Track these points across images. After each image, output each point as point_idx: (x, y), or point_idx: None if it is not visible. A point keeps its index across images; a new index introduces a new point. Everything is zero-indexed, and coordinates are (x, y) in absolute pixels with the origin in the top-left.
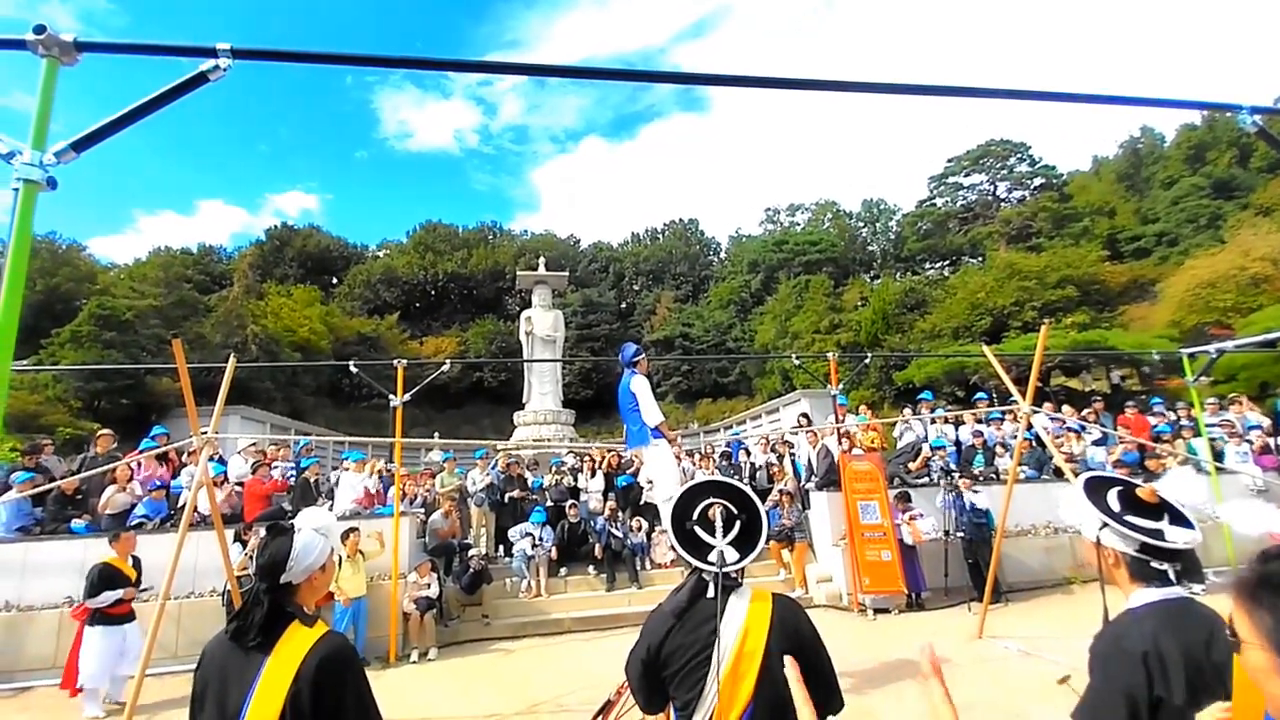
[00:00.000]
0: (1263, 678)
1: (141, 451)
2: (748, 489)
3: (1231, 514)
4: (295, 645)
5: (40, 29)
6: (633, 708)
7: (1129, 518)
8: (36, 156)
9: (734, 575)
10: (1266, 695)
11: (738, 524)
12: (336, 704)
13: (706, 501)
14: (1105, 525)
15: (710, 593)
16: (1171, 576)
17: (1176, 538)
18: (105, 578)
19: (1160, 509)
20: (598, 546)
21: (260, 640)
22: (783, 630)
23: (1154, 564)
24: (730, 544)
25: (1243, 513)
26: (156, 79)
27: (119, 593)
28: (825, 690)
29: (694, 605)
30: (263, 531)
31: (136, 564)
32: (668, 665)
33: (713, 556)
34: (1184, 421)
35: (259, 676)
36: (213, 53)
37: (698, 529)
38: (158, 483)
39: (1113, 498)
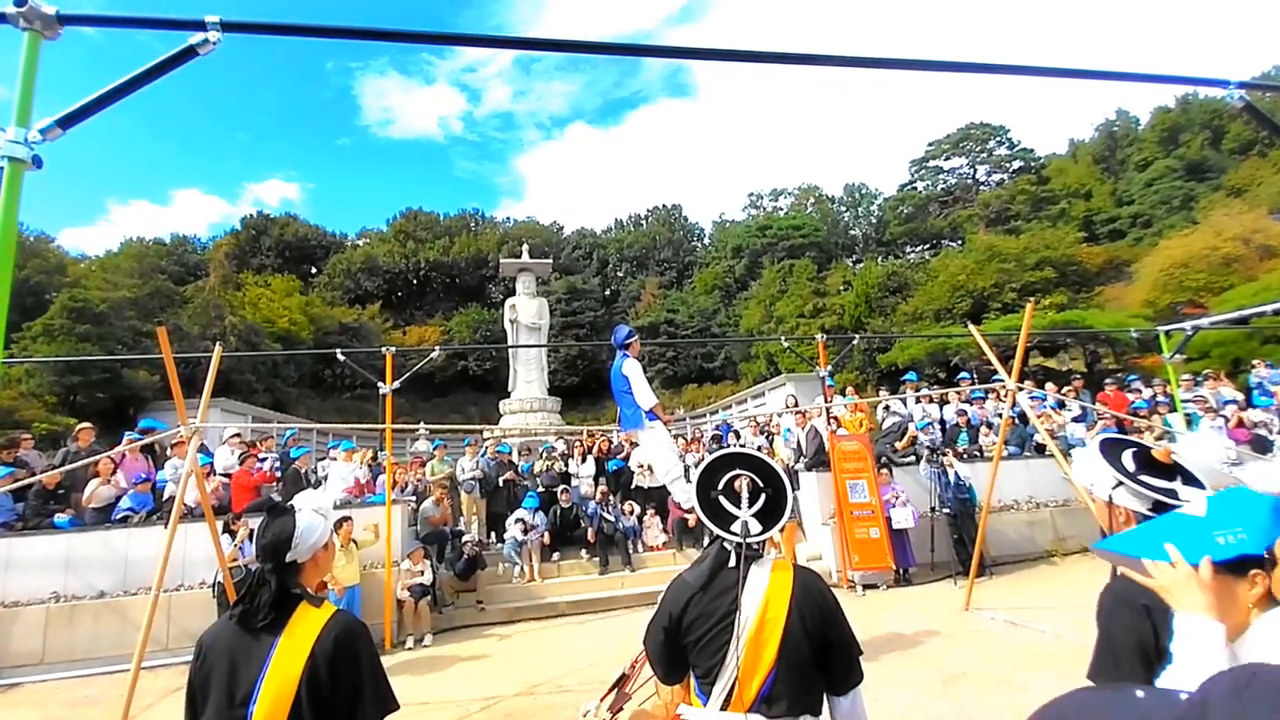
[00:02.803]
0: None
1: (129, 443)
2: (775, 463)
3: (1251, 474)
4: (308, 624)
5: (21, 1)
6: (648, 680)
7: (1143, 477)
8: (21, 134)
9: (755, 546)
10: None
11: (763, 497)
12: (353, 680)
13: (733, 472)
14: (1120, 484)
15: (732, 563)
16: None
17: (1190, 497)
18: None
19: (1173, 470)
20: (590, 530)
21: (270, 621)
22: (805, 599)
23: None
24: (754, 516)
25: (1262, 472)
26: (139, 62)
27: None
28: (845, 661)
29: (716, 575)
30: (253, 523)
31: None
32: (689, 633)
33: (736, 527)
34: (1160, 398)
35: (270, 657)
36: (201, 25)
37: (722, 499)
38: (142, 475)
39: (1127, 458)
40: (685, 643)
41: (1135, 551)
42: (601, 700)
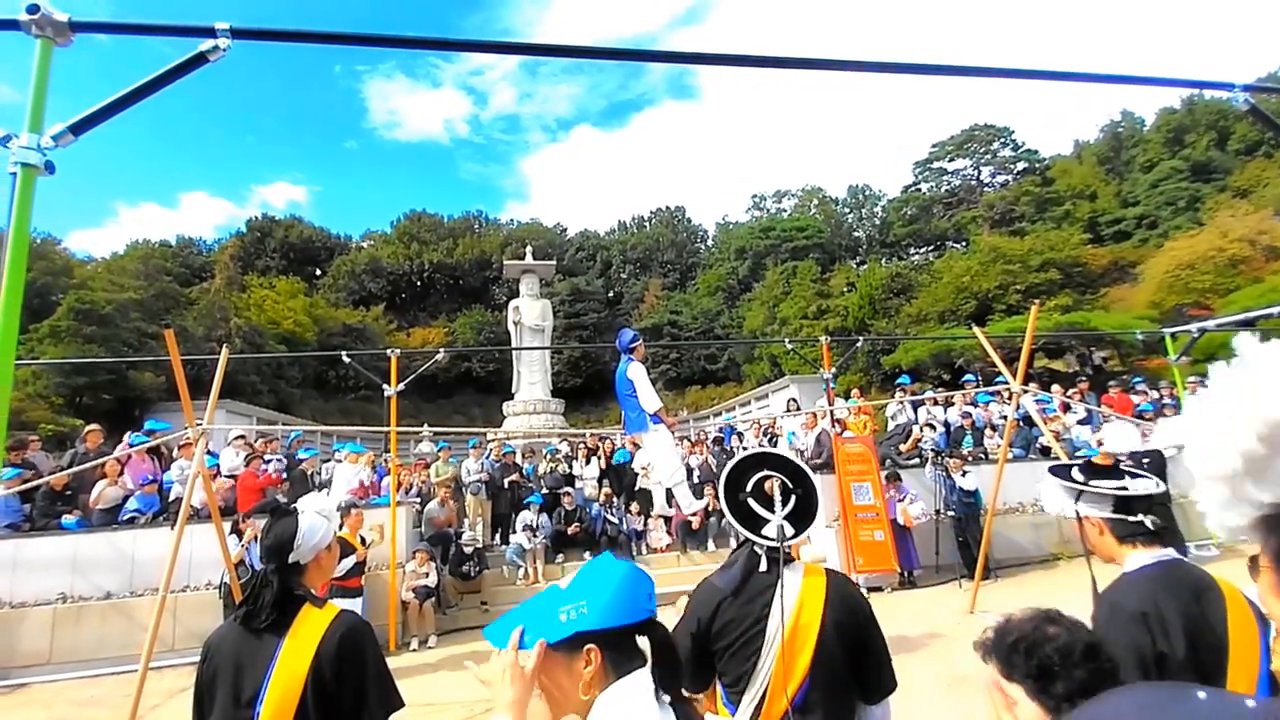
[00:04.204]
0: (1269, 598)
1: (134, 446)
2: (803, 464)
3: (1107, 435)
4: (312, 625)
5: (34, 8)
6: None
7: (1094, 483)
8: (34, 139)
9: (786, 550)
10: (1272, 616)
11: (793, 499)
12: (359, 680)
13: (762, 474)
14: (1080, 493)
15: (763, 567)
16: (1150, 525)
17: (1141, 487)
18: (342, 550)
19: (1119, 470)
20: (594, 532)
21: (273, 622)
22: (839, 605)
23: (1132, 518)
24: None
25: (1113, 432)
26: (153, 67)
27: (352, 558)
28: (879, 669)
29: (747, 580)
30: (259, 523)
31: (362, 541)
32: (718, 640)
33: (769, 530)
34: (1166, 400)
35: (276, 658)
36: (211, 32)
37: (752, 501)
38: (149, 477)
39: (1075, 473)
40: (714, 649)
41: (496, 640)
42: None
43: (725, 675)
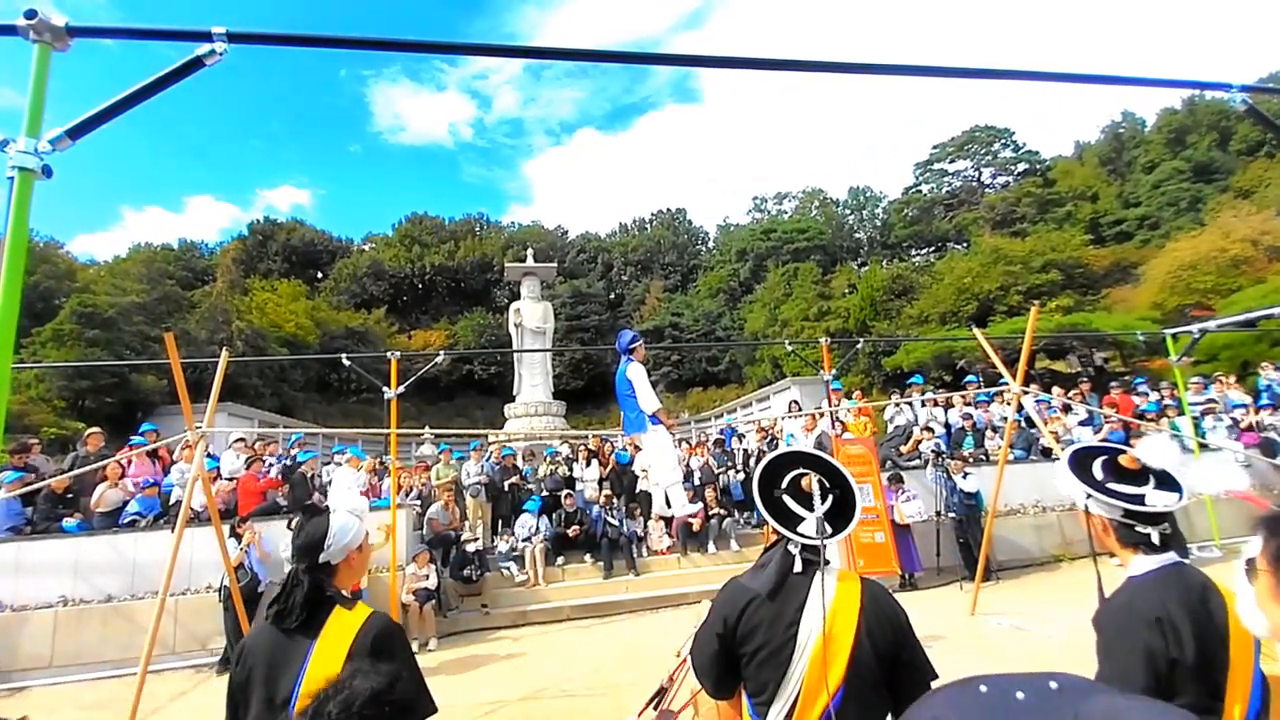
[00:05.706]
0: (1266, 600)
1: (133, 449)
2: (840, 465)
3: (1195, 474)
4: (344, 627)
5: (31, 14)
6: (688, 704)
7: (1111, 485)
8: (31, 144)
9: (823, 550)
10: (1271, 621)
11: (830, 498)
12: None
13: (797, 471)
14: (1090, 495)
15: (799, 567)
16: (1155, 539)
17: (1158, 501)
18: None
19: (1144, 475)
20: (595, 534)
21: (303, 622)
22: (875, 614)
23: (1138, 528)
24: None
25: (1205, 473)
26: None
27: None
28: (915, 685)
29: (781, 583)
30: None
31: None
32: (745, 643)
33: (805, 528)
34: (1169, 401)
35: (308, 660)
36: (208, 36)
37: (787, 498)
38: (149, 480)
39: (1097, 468)
40: (740, 653)
41: None
42: (638, 716)
43: (749, 682)
